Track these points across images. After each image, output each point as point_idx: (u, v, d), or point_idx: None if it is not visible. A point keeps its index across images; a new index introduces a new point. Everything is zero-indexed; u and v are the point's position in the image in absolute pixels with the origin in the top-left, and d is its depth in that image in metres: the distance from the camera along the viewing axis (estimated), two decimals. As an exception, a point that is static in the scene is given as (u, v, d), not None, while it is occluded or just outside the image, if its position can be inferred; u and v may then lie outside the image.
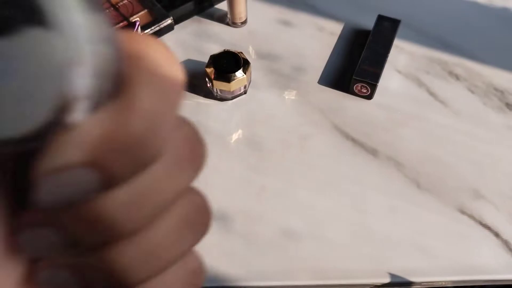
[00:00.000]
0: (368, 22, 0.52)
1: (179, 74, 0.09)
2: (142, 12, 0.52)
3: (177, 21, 0.54)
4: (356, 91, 0.47)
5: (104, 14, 0.08)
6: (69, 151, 0.08)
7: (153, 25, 0.51)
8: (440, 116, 0.46)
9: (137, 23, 0.48)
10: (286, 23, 0.55)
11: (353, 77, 0.45)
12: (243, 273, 0.36)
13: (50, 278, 0.10)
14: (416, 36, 0.52)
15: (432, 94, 0.48)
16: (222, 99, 0.47)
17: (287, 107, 0.46)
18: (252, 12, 0.55)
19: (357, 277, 0.36)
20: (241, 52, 0.46)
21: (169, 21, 0.52)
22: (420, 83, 0.49)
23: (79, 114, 0.08)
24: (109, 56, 0.08)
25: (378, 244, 0.38)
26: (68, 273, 0.10)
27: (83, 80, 0.08)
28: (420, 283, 0.37)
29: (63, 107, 0.08)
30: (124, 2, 0.53)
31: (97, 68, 0.08)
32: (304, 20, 0.55)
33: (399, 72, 0.50)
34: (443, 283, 0.37)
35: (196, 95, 0.47)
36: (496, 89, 0.48)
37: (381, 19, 0.51)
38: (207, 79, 0.46)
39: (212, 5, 0.56)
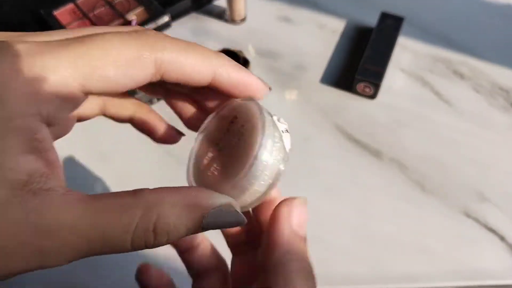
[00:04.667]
0: (371, 20, 0.51)
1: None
2: (139, 9, 0.51)
3: (174, 18, 0.52)
4: (359, 90, 0.46)
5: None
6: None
7: (150, 22, 0.49)
8: (445, 116, 0.45)
9: (134, 21, 0.47)
10: (286, 20, 0.53)
11: (356, 76, 0.44)
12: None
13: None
14: (420, 34, 0.51)
15: (436, 93, 0.47)
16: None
17: (288, 107, 0.45)
18: (252, 9, 0.53)
19: (359, 281, 0.35)
20: (241, 51, 0.45)
21: (166, 18, 0.50)
22: (424, 82, 0.48)
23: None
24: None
25: (381, 248, 0.37)
26: None
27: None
28: (423, 288, 0.36)
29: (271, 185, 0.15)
30: (120, -2, 0.52)
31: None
32: (305, 17, 0.53)
33: (403, 71, 0.48)
34: (448, 288, 0.36)
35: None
36: (501, 89, 0.47)
37: (384, 16, 0.50)
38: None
39: (210, 1, 0.55)
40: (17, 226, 0.11)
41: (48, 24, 0.49)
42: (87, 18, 0.50)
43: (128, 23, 0.47)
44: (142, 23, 0.49)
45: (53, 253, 0.12)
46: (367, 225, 0.38)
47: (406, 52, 0.50)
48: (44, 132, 0.12)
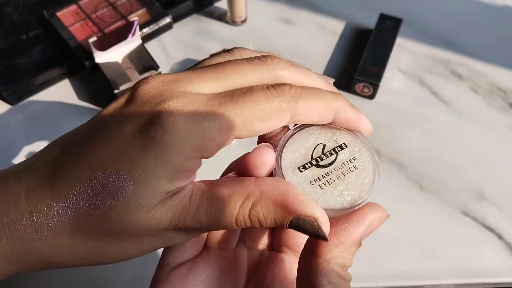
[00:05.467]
0: (370, 21, 0.52)
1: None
2: (141, 11, 0.51)
3: (176, 19, 0.53)
4: (358, 91, 0.46)
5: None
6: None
7: (152, 24, 0.50)
8: (443, 116, 0.45)
9: (136, 22, 0.48)
10: (286, 21, 0.54)
11: (355, 76, 0.45)
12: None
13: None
14: (418, 35, 0.52)
15: (435, 94, 0.47)
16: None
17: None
18: (252, 10, 0.54)
19: (358, 280, 0.36)
20: (241, 52, 0.45)
21: (168, 19, 0.51)
22: (423, 83, 0.48)
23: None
24: None
25: (380, 247, 0.37)
26: None
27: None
28: (422, 286, 0.36)
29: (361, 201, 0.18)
30: (122, 1, 0.52)
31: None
32: (304, 19, 0.54)
33: (402, 71, 0.49)
34: (446, 286, 0.36)
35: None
36: (499, 89, 0.47)
37: (383, 17, 0.50)
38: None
39: (211, 3, 0.55)
40: (159, 219, 0.16)
41: (51, 25, 0.50)
42: (90, 19, 0.51)
43: (130, 24, 0.48)
44: (144, 24, 0.50)
45: (175, 237, 0.17)
46: (366, 223, 0.38)
47: (405, 53, 0.50)
48: (199, 165, 0.17)
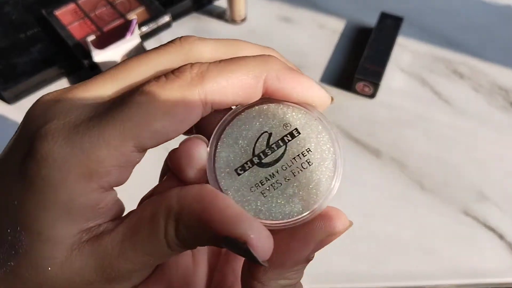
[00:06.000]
0: (371, 20, 0.51)
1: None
2: (139, 9, 0.51)
3: (175, 18, 0.53)
4: (358, 90, 0.46)
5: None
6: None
7: (151, 22, 0.50)
8: (444, 116, 0.45)
9: (134, 21, 0.47)
10: (286, 20, 0.54)
11: (355, 76, 0.45)
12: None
13: None
14: (419, 34, 0.51)
15: (436, 93, 0.47)
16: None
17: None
18: (252, 9, 0.54)
19: (358, 279, 0.35)
20: (241, 51, 0.45)
21: (167, 18, 0.51)
22: (424, 82, 0.48)
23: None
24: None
25: (380, 247, 0.37)
26: None
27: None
28: (422, 287, 0.36)
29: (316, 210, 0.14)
30: (121, -2, 0.52)
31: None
32: (305, 17, 0.54)
33: (402, 70, 0.49)
34: (446, 287, 0.36)
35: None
36: (500, 88, 0.47)
37: (383, 16, 0.50)
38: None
39: (211, 2, 0.55)
40: (80, 271, 0.13)
41: (49, 23, 0.50)
42: (89, 18, 0.50)
43: (129, 22, 0.47)
44: (143, 23, 0.49)
45: None
46: (366, 223, 0.38)
47: (406, 51, 0.50)
48: (108, 198, 0.13)
